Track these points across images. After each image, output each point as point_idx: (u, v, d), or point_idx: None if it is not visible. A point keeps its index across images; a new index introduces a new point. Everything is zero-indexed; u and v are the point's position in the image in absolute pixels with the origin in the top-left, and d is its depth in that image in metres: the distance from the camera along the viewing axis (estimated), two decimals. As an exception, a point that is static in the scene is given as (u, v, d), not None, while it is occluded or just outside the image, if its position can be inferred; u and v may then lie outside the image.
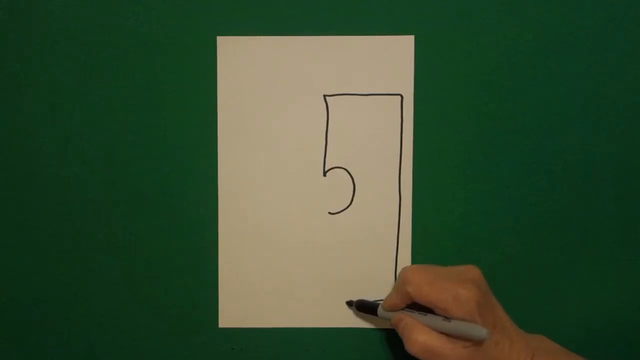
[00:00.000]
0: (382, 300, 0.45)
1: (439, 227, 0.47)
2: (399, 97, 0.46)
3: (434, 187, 0.47)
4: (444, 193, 0.47)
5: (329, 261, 0.47)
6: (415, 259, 0.47)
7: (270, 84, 0.47)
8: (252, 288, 0.47)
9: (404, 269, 0.43)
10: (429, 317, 0.41)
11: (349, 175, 0.47)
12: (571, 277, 0.47)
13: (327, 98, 0.47)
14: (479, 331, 0.38)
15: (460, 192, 0.47)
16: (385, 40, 0.46)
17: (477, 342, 0.39)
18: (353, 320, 0.47)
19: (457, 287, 0.40)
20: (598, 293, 0.47)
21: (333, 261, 0.47)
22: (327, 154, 0.47)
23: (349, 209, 0.47)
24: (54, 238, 0.47)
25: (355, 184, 0.47)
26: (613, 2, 0.46)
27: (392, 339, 0.47)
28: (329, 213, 0.47)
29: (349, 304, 0.47)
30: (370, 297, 0.47)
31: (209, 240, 0.47)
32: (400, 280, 0.43)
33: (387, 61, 0.46)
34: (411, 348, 0.40)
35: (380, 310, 0.45)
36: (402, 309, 0.43)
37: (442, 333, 0.40)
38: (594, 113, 0.46)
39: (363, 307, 0.46)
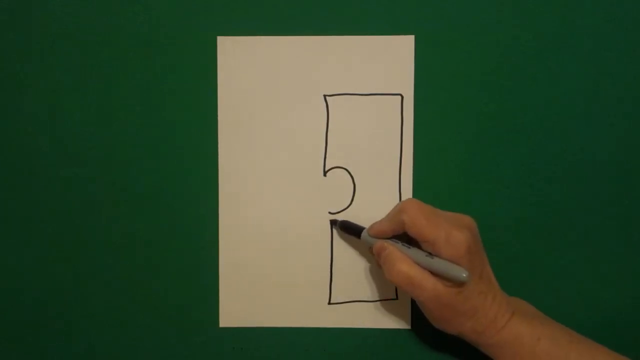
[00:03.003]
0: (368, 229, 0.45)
1: (439, 227, 0.47)
2: (399, 97, 0.46)
3: (434, 187, 0.47)
4: (444, 193, 0.47)
5: (329, 261, 0.47)
6: (415, 259, 0.47)
7: (270, 84, 0.47)
8: (253, 288, 0.47)
9: (404, 200, 0.44)
10: (413, 250, 0.41)
11: (349, 175, 0.47)
12: (571, 277, 0.47)
13: (327, 98, 0.47)
14: (459, 272, 0.38)
15: (460, 192, 0.47)
16: (385, 40, 0.46)
17: (458, 284, 0.39)
18: (353, 321, 0.47)
19: (452, 228, 0.40)
20: (598, 293, 0.47)
21: (333, 261, 0.47)
22: (327, 154, 0.47)
23: (349, 209, 0.47)
24: (54, 238, 0.47)
25: (355, 184, 0.47)
26: (613, 2, 0.46)
27: (392, 339, 0.47)
28: (329, 213, 0.47)
29: (333, 222, 0.47)
30: (370, 297, 0.47)
31: (209, 240, 0.47)
32: (397, 208, 0.42)
33: (387, 61, 0.46)
34: (393, 277, 0.40)
35: (364, 234, 0.44)
36: (387, 239, 0.43)
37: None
38: (594, 113, 0.46)
39: (347, 228, 0.46)
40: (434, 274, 0.40)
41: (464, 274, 0.38)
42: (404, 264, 0.40)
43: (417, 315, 0.47)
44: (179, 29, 0.46)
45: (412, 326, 0.47)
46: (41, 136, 0.47)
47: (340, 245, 0.47)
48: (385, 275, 0.41)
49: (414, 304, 0.47)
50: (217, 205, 0.47)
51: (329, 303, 0.47)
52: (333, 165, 0.47)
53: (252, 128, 0.47)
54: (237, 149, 0.47)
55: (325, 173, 0.47)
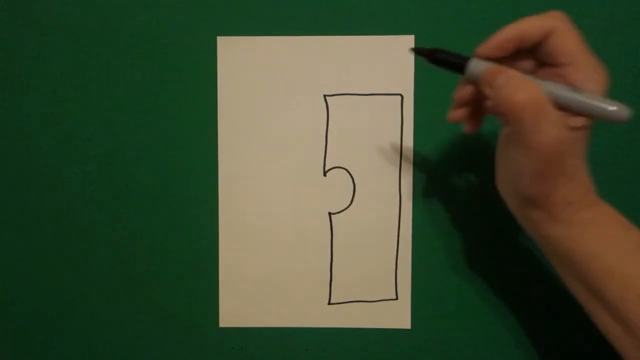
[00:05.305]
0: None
1: (439, 227, 0.47)
2: (399, 97, 0.46)
3: (434, 187, 0.47)
4: (444, 193, 0.47)
5: (329, 261, 0.47)
6: (415, 259, 0.47)
7: (270, 84, 0.47)
8: (253, 288, 0.47)
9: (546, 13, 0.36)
10: (547, 83, 0.33)
11: (349, 175, 0.47)
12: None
13: (327, 98, 0.47)
14: (622, 108, 0.31)
15: (460, 192, 0.47)
16: (385, 40, 0.46)
17: (585, 129, 0.33)
18: (353, 321, 0.47)
19: (597, 60, 0.34)
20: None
21: (333, 261, 0.47)
22: (327, 154, 0.47)
23: (349, 209, 0.47)
24: (54, 238, 0.47)
25: (355, 184, 0.47)
26: (613, 2, 0.46)
27: (392, 339, 0.47)
28: (329, 213, 0.47)
29: (419, 51, 0.38)
30: (370, 297, 0.47)
31: (209, 240, 0.47)
32: (539, 16, 0.35)
33: (387, 61, 0.46)
34: (516, 103, 0.33)
35: (474, 63, 0.35)
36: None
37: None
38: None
39: (442, 60, 0.36)
40: (571, 110, 0.33)
41: (626, 111, 0.31)
42: (530, 87, 0.33)
43: (417, 315, 0.47)
44: (179, 29, 0.46)
45: (412, 326, 0.47)
46: (41, 136, 0.47)
47: (340, 245, 0.47)
48: (500, 105, 0.34)
49: (414, 304, 0.47)
50: (217, 205, 0.47)
51: (329, 303, 0.47)
52: (333, 165, 0.47)
53: (252, 128, 0.47)
54: (237, 149, 0.47)
55: (325, 173, 0.47)
